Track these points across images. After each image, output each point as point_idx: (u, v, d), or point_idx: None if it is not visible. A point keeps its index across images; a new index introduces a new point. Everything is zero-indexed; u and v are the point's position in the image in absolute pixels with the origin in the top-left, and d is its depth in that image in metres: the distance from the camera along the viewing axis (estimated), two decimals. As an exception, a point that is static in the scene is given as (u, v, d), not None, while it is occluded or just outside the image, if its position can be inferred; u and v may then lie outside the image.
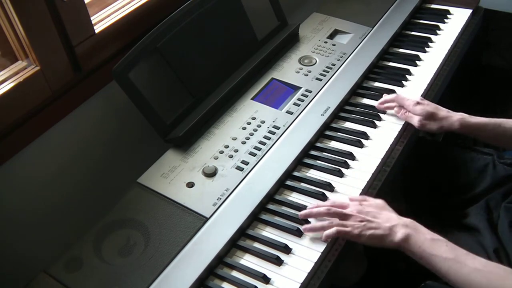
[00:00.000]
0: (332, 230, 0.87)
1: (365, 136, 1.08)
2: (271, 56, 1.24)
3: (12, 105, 0.90)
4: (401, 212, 0.91)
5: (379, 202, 0.92)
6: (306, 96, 1.15)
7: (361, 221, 0.87)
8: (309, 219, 0.92)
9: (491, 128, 1.04)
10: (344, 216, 0.89)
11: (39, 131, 0.96)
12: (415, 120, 1.07)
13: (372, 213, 0.89)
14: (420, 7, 1.47)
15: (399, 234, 0.85)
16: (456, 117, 1.05)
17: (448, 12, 1.43)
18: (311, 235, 0.90)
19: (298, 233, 0.90)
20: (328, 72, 1.21)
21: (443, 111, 1.07)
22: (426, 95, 1.19)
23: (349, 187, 0.98)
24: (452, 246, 0.82)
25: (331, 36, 1.33)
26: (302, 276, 0.84)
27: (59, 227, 0.98)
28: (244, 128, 1.07)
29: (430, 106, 1.07)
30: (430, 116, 1.06)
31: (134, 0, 1.12)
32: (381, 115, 1.13)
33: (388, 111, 1.14)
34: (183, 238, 0.88)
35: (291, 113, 1.11)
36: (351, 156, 1.04)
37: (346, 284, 1.23)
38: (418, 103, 1.07)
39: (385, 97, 1.13)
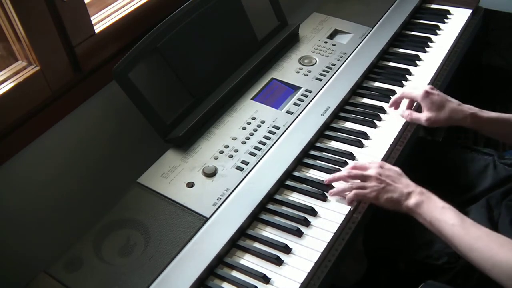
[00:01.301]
0: (351, 194, 0.92)
1: (365, 136, 1.08)
2: (271, 56, 1.24)
3: (12, 105, 0.90)
4: None
5: (398, 169, 0.95)
6: (306, 96, 1.15)
7: (380, 183, 0.91)
8: (333, 184, 0.97)
9: (501, 124, 1.03)
10: (365, 178, 0.93)
11: (39, 131, 0.96)
12: (423, 120, 1.05)
13: (392, 177, 0.92)
14: (420, 7, 1.47)
15: (413, 199, 0.89)
16: (467, 111, 1.03)
17: (448, 12, 1.43)
18: (313, 234, 0.90)
19: (298, 233, 0.90)
20: (328, 72, 1.21)
21: (453, 103, 1.04)
22: (426, 95, 1.19)
23: (349, 187, 0.98)
24: (460, 215, 0.86)
25: (331, 36, 1.32)
26: (302, 276, 0.84)
27: (59, 227, 0.98)
28: (244, 128, 1.07)
29: (440, 96, 1.04)
30: (438, 107, 1.03)
31: (134, 0, 1.12)
32: (381, 115, 1.13)
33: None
34: (183, 238, 0.88)
35: (291, 113, 1.11)
36: (351, 156, 1.04)
37: (346, 284, 1.23)
38: (427, 93, 1.04)
39: (393, 98, 1.12)
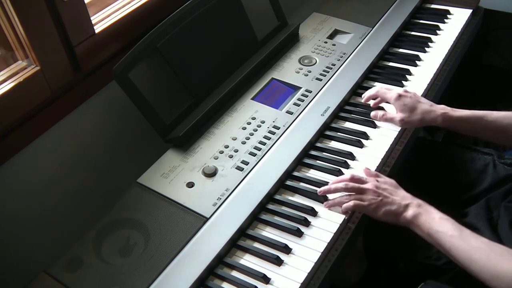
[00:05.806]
0: (350, 203, 0.91)
1: (365, 136, 1.08)
2: (271, 56, 1.24)
3: (12, 105, 0.90)
4: None
5: (393, 181, 0.96)
6: (306, 96, 1.15)
7: (378, 196, 0.91)
8: (328, 196, 0.96)
9: (474, 122, 1.04)
10: (362, 191, 0.92)
11: (39, 131, 0.96)
12: (397, 120, 1.08)
13: (388, 190, 0.93)
14: (420, 7, 1.47)
15: (411, 211, 0.89)
16: (438, 111, 1.05)
17: (448, 12, 1.43)
18: (313, 234, 0.90)
19: (298, 233, 0.90)
20: (328, 72, 1.21)
21: (425, 104, 1.07)
22: (426, 95, 1.19)
23: (349, 187, 0.98)
24: (458, 225, 0.86)
25: (331, 36, 1.32)
26: (302, 276, 0.84)
27: (59, 227, 0.98)
28: (244, 128, 1.07)
29: (412, 99, 1.07)
30: (411, 109, 1.06)
31: (134, 0, 1.12)
32: (381, 115, 1.13)
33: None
34: (183, 238, 0.88)
35: (291, 113, 1.11)
36: (351, 156, 1.04)
37: (346, 284, 1.23)
38: (400, 96, 1.07)
39: (368, 92, 1.13)
